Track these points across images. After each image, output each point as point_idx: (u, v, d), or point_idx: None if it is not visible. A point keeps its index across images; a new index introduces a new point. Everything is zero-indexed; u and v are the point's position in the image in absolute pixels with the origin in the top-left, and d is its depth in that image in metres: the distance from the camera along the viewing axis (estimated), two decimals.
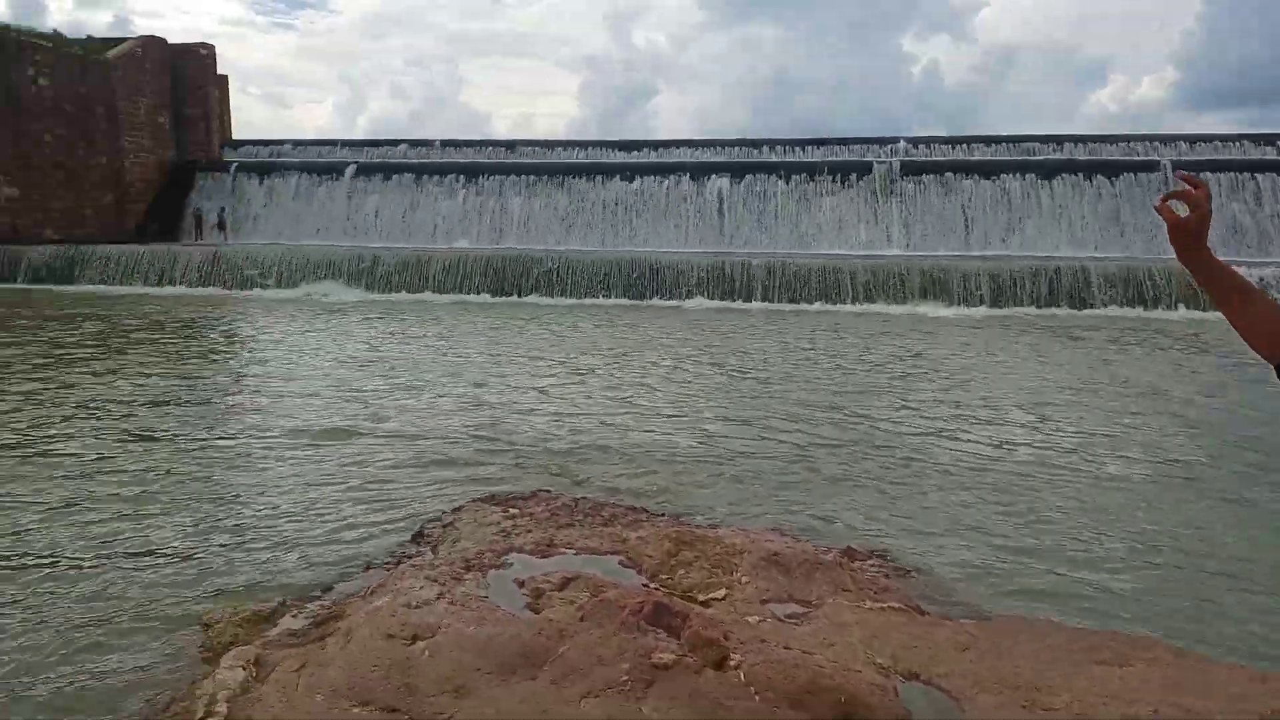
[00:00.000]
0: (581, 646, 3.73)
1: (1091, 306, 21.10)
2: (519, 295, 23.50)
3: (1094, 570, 5.28)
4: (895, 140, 35.02)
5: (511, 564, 4.92)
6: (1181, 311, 20.42)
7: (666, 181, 31.27)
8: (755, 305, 22.29)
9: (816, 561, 4.98)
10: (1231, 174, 28.32)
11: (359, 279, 24.46)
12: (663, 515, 6.02)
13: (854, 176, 30.28)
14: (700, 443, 8.17)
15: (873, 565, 5.25)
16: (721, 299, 22.77)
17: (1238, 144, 32.76)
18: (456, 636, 3.81)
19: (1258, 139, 33.04)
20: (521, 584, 4.61)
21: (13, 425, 8.50)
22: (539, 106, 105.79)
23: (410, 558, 5.07)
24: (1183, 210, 1.68)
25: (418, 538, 5.45)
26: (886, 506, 6.43)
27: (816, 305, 22.03)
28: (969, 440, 8.42)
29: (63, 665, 4.04)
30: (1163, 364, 13.66)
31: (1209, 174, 28.55)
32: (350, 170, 33.34)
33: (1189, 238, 1.68)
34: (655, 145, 36.44)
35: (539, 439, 8.13)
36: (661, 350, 14.44)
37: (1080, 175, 29.07)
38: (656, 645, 3.70)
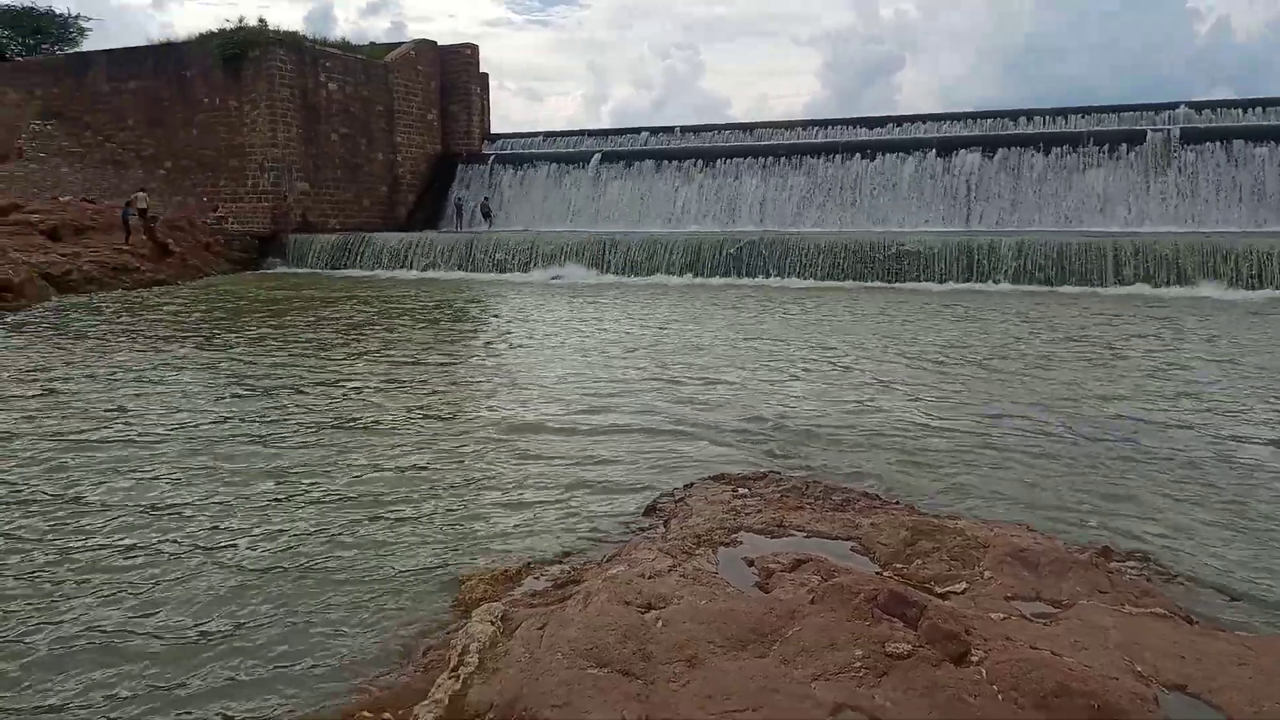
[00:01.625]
0: (813, 628, 3.71)
1: None
2: (762, 275, 23.46)
3: None
4: (1175, 106, 31.63)
5: (741, 542, 4.96)
6: None
7: (911, 158, 30.06)
8: (1004, 287, 20.98)
9: (1069, 560, 4.65)
10: None
11: (598, 262, 25.38)
12: (897, 503, 5.84)
13: (1124, 147, 27.72)
14: (946, 433, 7.83)
15: (1132, 567, 4.84)
16: (968, 280, 21.62)
17: None
18: (689, 608, 3.90)
19: None
20: (751, 563, 4.64)
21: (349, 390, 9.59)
22: (778, 87, 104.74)
23: (644, 530, 5.24)
24: None
25: (650, 511, 5.62)
26: (1149, 508, 5.88)
27: (1074, 288, 20.40)
28: (1254, 443, 7.52)
29: (331, 611, 4.53)
30: None
31: None
32: (595, 159, 34.63)
33: None
34: (899, 120, 35.09)
35: (776, 420, 8.11)
36: (904, 338, 13.94)
37: None
38: (891, 634, 3.61)
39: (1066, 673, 3.25)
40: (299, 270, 28.95)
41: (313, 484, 6.41)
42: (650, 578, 4.22)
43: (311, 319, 16.37)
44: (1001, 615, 3.95)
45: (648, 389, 9.65)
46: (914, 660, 3.35)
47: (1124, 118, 30.80)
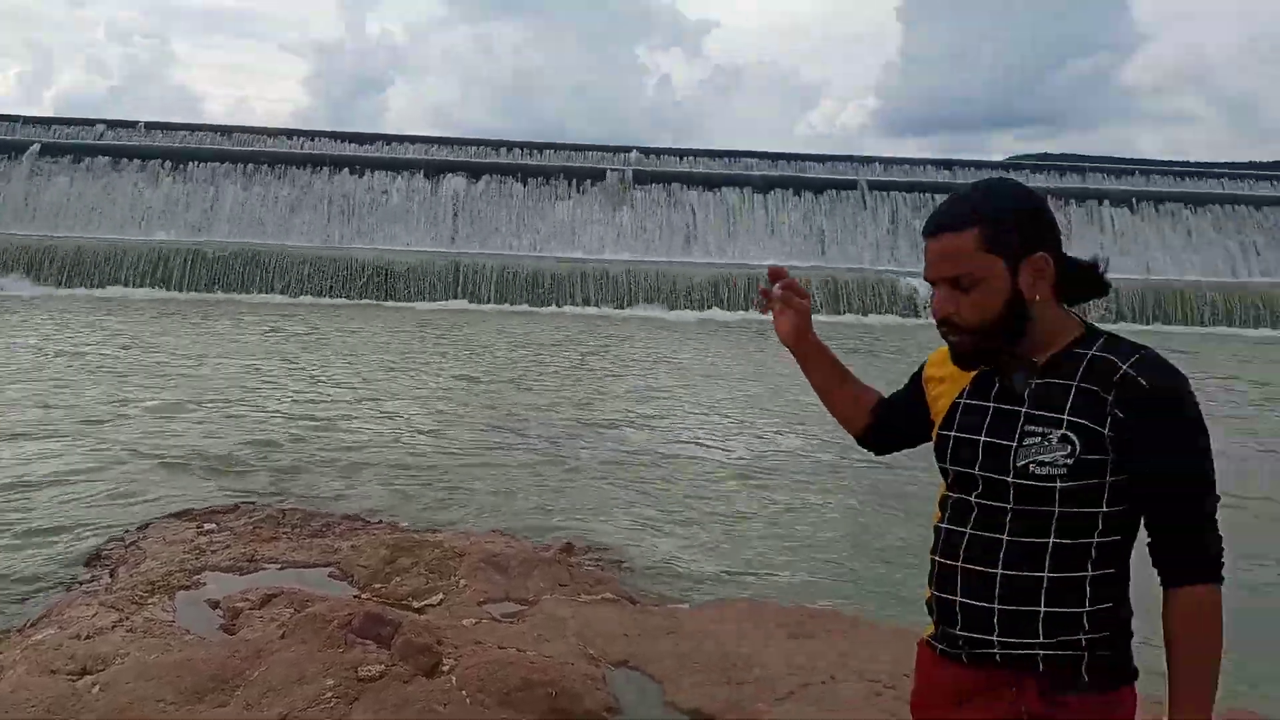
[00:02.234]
0: (282, 665, 3.51)
1: None
2: (239, 291, 21.87)
3: (790, 554, 5.72)
4: (629, 149, 36.20)
5: (206, 583, 4.55)
6: (870, 317, 22.71)
7: (400, 177, 30.39)
8: (488, 307, 22.18)
9: (536, 560, 5.01)
10: (917, 194, 31.87)
11: (39, 272, 21.68)
12: (380, 522, 5.82)
13: (589, 182, 30.97)
14: (433, 449, 7.98)
15: (590, 559, 5.37)
16: (456, 299, 22.45)
17: (922, 168, 36.90)
18: (135, 666, 3.46)
19: (939, 163, 37.40)
20: (216, 604, 4.28)
21: None
22: (262, 91, 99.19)
23: (84, 583, 4.55)
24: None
25: (94, 560, 4.90)
26: (608, 501, 6.60)
27: (548, 308, 22.29)
28: (683, 438, 8.85)
29: None
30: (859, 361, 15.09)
31: (898, 193, 32.00)
32: (33, 150, 29.49)
33: (806, 321, 1.78)
34: (389, 139, 35.31)
35: (248, 448, 7.59)
36: (396, 353, 13.99)
37: (790, 190, 31.52)
38: (365, 657, 3.56)
39: (529, 666, 3.49)
40: None
41: None
42: (87, 638, 3.67)
43: None
44: (474, 620, 4.12)
45: (96, 417, 8.42)
46: (386, 680, 3.35)
47: (589, 156, 34.49)
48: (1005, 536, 1.49)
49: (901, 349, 16.83)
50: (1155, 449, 1.42)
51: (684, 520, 6.29)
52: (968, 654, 1.52)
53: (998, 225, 1.48)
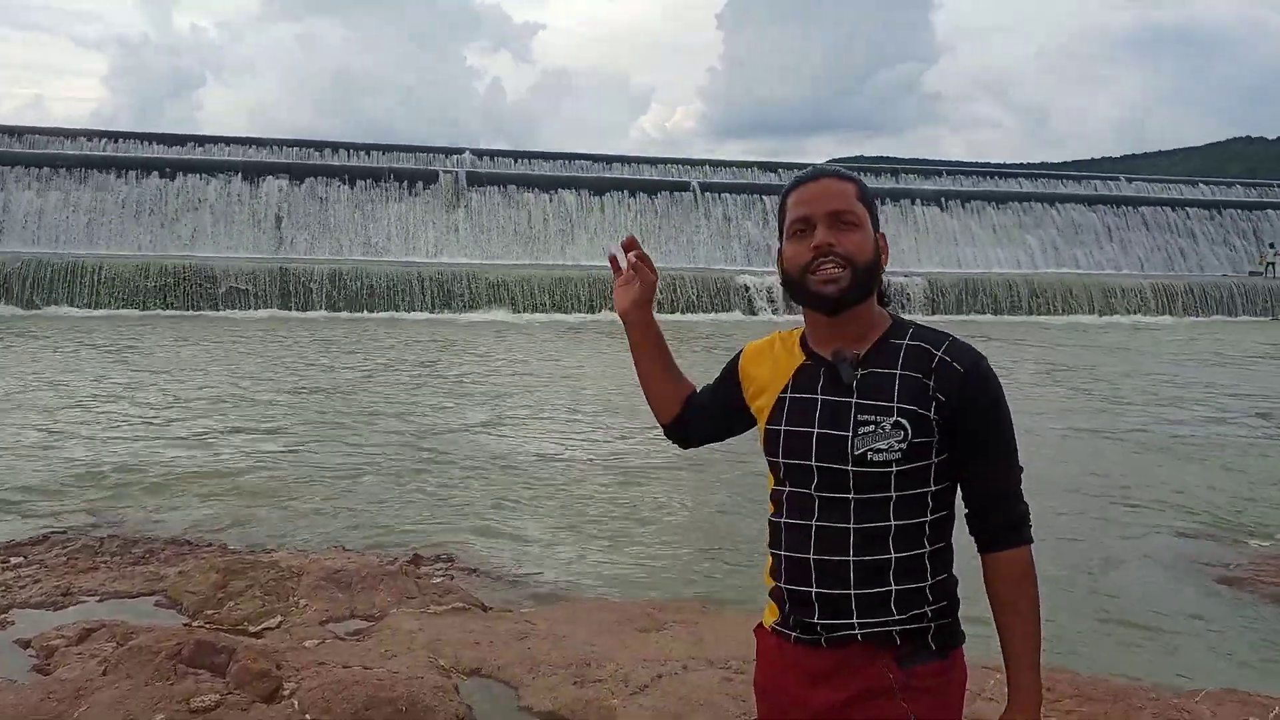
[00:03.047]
0: (105, 704, 3.27)
1: None
2: (37, 306, 20.11)
3: (644, 550, 5.79)
4: (461, 151, 35.66)
5: (14, 622, 4.17)
6: (705, 315, 23.31)
7: (215, 181, 28.76)
8: (318, 314, 21.31)
9: (381, 573, 4.86)
10: (745, 195, 32.93)
11: None
12: (210, 545, 5.50)
13: (421, 185, 30.30)
14: (259, 463, 7.60)
15: (439, 569, 5.27)
16: (284, 308, 21.46)
17: (750, 170, 38.16)
18: None
19: (765, 166, 38.77)
20: (27, 644, 3.93)
21: None
22: (56, 89, 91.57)
23: None
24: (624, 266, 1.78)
25: None
26: (455, 509, 6.49)
27: (384, 314, 21.65)
28: (529, 440, 8.81)
29: None
30: (704, 361, 15.47)
31: (729, 195, 32.95)
32: None
33: (648, 295, 1.79)
34: (202, 140, 33.39)
35: (56, 475, 7.00)
36: (214, 368, 13.23)
37: (626, 192, 31.91)
38: (198, 688, 3.37)
39: (375, 684, 3.38)
40: None
41: None
42: None
43: None
44: (316, 641, 3.96)
45: None
46: (222, 710, 3.17)
47: (420, 158, 33.77)
48: (851, 525, 1.55)
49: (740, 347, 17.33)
50: (974, 426, 1.54)
51: (537, 523, 6.26)
52: (826, 638, 1.57)
53: (866, 191, 1.63)
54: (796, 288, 1.60)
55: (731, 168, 37.97)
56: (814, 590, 1.57)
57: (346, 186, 29.69)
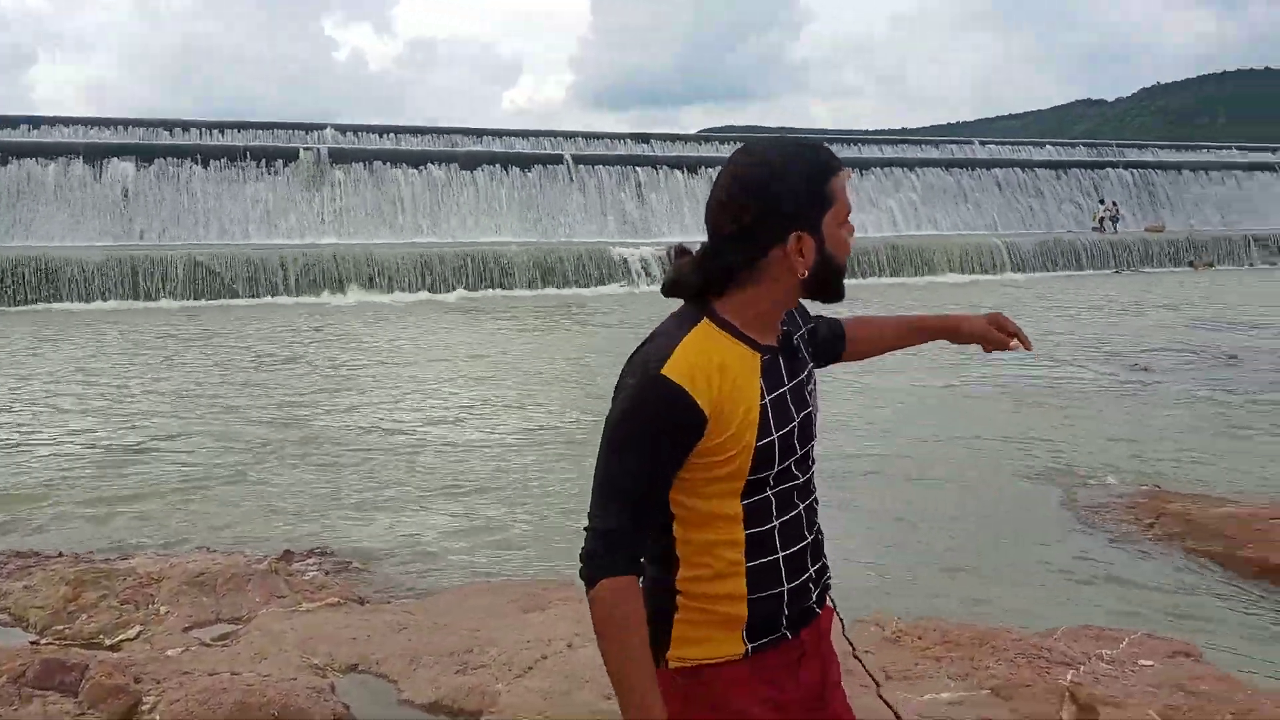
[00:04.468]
0: None
1: (515, 288, 22.88)
2: None
3: (527, 528, 5.73)
4: (323, 127, 34.30)
5: None
6: (586, 289, 23.25)
7: (54, 165, 26.81)
8: (172, 304, 20.17)
9: (249, 573, 4.65)
10: (619, 168, 32.87)
11: None
12: (60, 555, 5.14)
13: (281, 163, 29.01)
14: (113, 464, 7.16)
15: (312, 564, 5.07)
16: (138, 298, 20.23)
17: (623, 141, 38.07)
18: None
19: (638, 137, 38.77)
20: None
21: None
22: None
23: None
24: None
25: None
26: (328, 500, 6.27)
27: (245, 300, 20.68)
28: (405, 424, 8.59)
29: None
30: (568, 336, 15.41)
31: (601, 168, 32.81)
32: None
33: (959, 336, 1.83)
34: (37, 122, 31.07)
35: None
36: (66, 363, 12.39)
37: (498, 166, 31.36)
38: (46, 711, 3.15)
39: (244, 689, 3.23)
40: None
41: None
42: None
43: None
44: (179, 649, 3.76)
45: None
46: None
47: (279, 135, 32.29)
48: (816, 491, 1.58)
49: (623, 319, 17.35)
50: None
51: (415, 510, 6.11)
52: (791, 628, 1.51)
53: None
54: (839, 278, 1.49)
55: (605, 139, 37.79)
56: (810, 572, 1.54)
57: (200, 167, 28.15)
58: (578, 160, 32.70)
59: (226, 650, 3.75)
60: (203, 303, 20.32)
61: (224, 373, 11.51)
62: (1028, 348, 1.78)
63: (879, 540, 5.40)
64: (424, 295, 21.71)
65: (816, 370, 1.63)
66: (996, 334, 1.78)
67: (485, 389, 10.32)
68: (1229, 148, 49.71)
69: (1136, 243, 32.03)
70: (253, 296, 20.85)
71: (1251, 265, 32.07)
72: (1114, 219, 36.22)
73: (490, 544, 5.48)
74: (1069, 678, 3.16)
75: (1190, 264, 31.05)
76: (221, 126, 32.38)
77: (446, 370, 11.71)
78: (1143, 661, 3.32)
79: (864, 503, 6.06)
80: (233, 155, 28.80)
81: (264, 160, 28.93)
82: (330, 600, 4.36)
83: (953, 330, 1.81)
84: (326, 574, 4.96)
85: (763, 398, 1.44)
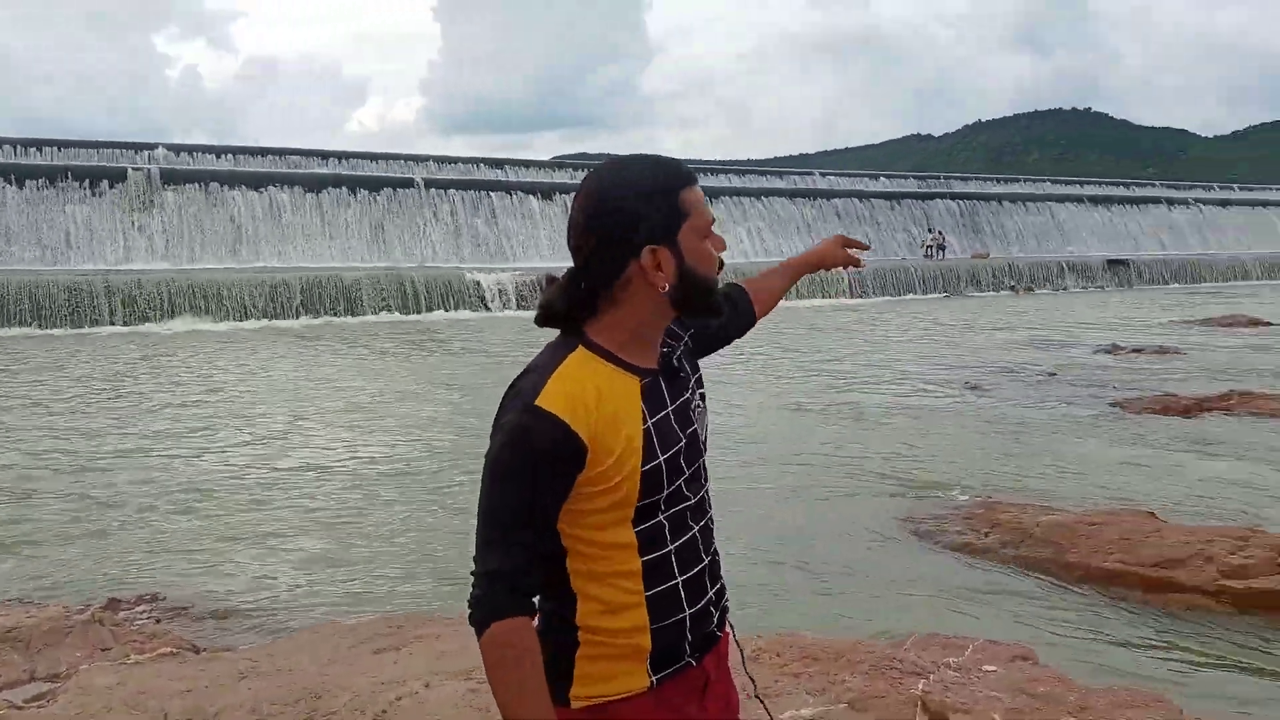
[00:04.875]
0: None
1: (363, 314, 22.18)
2: None
3: (390, 564, 5.50)
4: (154, 146, 32.44)
5: None
6: (438, 314, 22.80)
7: None
8: None
9: (67, 625, 4.26)
10: (473, 192, 32.53)
11: None
12: None
13: (106, 184, 27.21)
14: None
15: (141, 612, 4.71)
16: None
17: (476, 166, 37.75)
18: None
19: (491, 162, 38.54)
20: None
21: None
22: None
23: None
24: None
25: None
26: (158, 543, 5.84)
27: (64, 329, 19.21)
28: (249, 458, 8.14)
29: None
30: (423, 364, 15.05)
31: (455, 192, 32.39)
32: None
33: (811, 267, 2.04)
34: None
35: None
36: None
37: (345, 189, 30.46)
38: None
39: None
40: None
41: None
42: None
43: None
44: None
45: None
46: None
47: (104, 154, 30.34)
48: (711, 511, 1.56)
49: (479, 344, 17.07)
50: None
51: (255, 549, 5.77)
52: (694, 655, 1.48)
53: None
54: (708, 291, 1.43)
55: (458, 164, 37.35)
56: (710, 594, 1.51)
57: (14, 187, 26.06)
58: (429, 184, 32.17)
59: (43, 712, 3.41)
60: (14, 331, 18.75)
61: (32, 408, 10.60)
62: (864, 249, 2.06)
63: (732, 559, 5.48)
64: (264, 322, 20.76)
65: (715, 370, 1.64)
66: (845, 253, 2.01)
67: (326, 421, 9.91)
68: (1044, 180, 54.01)
69: (965, 269, 34.17)
70: (71, 325, 19.39)
71: (1066, 289, 34.79)
72: (940, 247, 38.59)
73: (342, 581, 5.24)
74: (920, 687, 3.26)
75: (1012, 288, 33.39)
76: (39, 144, 30.13)
77: (289, 400, 11.19)
78: (986, 667, 3.47)
79: (716, 521, 6.13)
80: (52, 175, 26.82)
81: (87, 180, 27.07)
82: (162, 650, 4.04)
83: (817, 262, 2.03)
84: (158, 621, 4.61)
85: (645, 421, 1.40)
